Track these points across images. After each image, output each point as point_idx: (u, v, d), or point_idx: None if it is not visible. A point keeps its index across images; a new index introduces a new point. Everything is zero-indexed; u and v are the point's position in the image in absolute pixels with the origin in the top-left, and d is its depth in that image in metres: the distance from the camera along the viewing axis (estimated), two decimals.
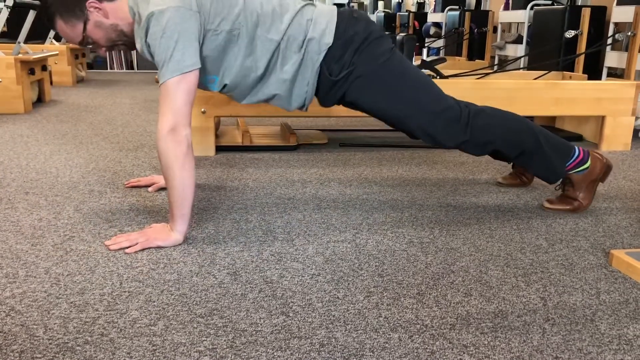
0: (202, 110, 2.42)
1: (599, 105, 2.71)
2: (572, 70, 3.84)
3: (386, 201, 1.92)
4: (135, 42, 1.60)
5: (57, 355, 1.01)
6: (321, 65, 1.63)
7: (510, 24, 5.35)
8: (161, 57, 1.45)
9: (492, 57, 5.31)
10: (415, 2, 8.05)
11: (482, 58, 5.27)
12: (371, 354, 1.03)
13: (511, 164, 2.18)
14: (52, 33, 4.89)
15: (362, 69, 1.64)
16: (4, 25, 3.65)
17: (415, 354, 1.04)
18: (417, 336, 1.10)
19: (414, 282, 1.32)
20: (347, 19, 1.64)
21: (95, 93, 4.57)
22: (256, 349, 1.04)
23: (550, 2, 4.56)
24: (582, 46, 3.75)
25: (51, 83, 4.75)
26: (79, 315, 1.14)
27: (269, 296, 1.24)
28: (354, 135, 3.04)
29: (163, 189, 1.97)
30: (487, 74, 3.07)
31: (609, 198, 2.00)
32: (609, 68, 3.62)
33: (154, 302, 1.20)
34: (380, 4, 9.15)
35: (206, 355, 1.02)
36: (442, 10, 6.09)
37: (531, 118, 3.26)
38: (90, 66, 6.74)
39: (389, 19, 7.66)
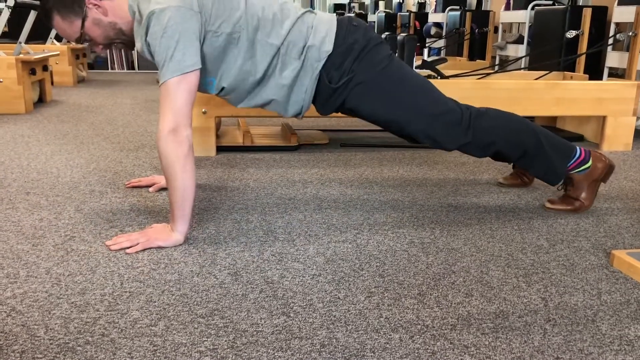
0: (203, 110, 2.42)
1: (600, 106, 2.71)
2: (573, 71, 3.83)
3: (387, 201, 1.92)
4: (135, 41, 1.60)
5: (57, 356, 1.01)
6: (321, 73, 1.64)
7: (511, 24, 5.35)
8: (161, 56, 1.45)
9: (493, 58, 5.31)
10: (416, 2, 8.05)
11: (483, 58, 5.27)
12: (372, 354, 1.03)
13: (512, 164, 2.18)
14: (53, 33, 4.89)
15: (361, 76, 1.64)
16: (5, 25, 3.66)
17: (416, 354, 1.04)
18: (418, 337, 1.09)
19: (415, 283, 1.32)
20: (346, 26, 1.65)
21: (96, 93, 4.57)
22: (257, 350, 1.04)
23: (551, 2, 4.56)
24: (583, 46, 3.74)
25: (52, 83, 4.75)
26: (79, 316, 1.14)
27: (270, 296, 1.24)
28: (355, 136, 3.03)
29: (164, 189, 1.97)
30: (488, 74, 3.07)
31: (610, 198, 2.00)
32: (610, 68, 3.61)
33: (155, 302, 1.20)
34: (381, 4, 9.15)
35: (207, 355, 1.02)
36: (443, 11, 6.09)
37: (532, 118, 3.26)
38: (91, 66, 6.74)
39: (390, 19, 7.66)
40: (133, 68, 6.95)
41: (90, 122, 3.27)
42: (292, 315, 1.16)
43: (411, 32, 6.74)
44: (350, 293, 1.26)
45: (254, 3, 1.60)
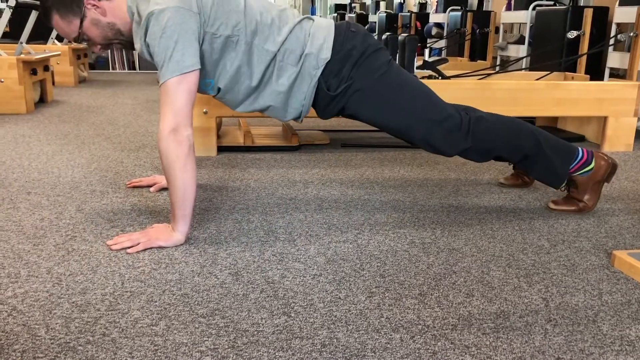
0: (204, 110, 2.42)
1: (601, 106, 2.71)
2: (574, 71, 3.83)
3: (388, 202, 1.92)
4: (134, 41, 1.60)
5: (58, 355, 1.01)
6: (319, 80, 1.63)
7: (512, 24, 5.35)
8: (161, 57, 1.45)
9: (494, 58, 5.31)
10: (417, 2, 8.05)
11: (484, 59, 5.26)
12: (373, 354, 1.03)
13: (512, 164, 2.18)
14: (54, 33, 4.89)
15: (360, 83, 1.64)
16: (7, 25, 3.66)
17: (417, 354, 1.04)
18: (418, 337, 1.09)
19: (415, 283, 1.32)
20: (344, 32, 1.65)
21: (97, 93, 4.57)
22: (258, 349, 1.04)
23: (552, 3, 4.56)
24: (584, 47, 3.74)
25: (53, 83, 4.76)
26: (80, 315, 1.14)
27: (271, 296, 1.24)
28: (356, 136, 3.03)
29: (165, 189, 1.97)
30: (489, 74, 3.07)
31: (611, 199, 2.00)
32: (611, 69, 3.61)
33: (156, 302, 1.21)
34: (382, 5, 9.15)
35: (208, 355, 1.02)
36: (444, 11, 6.09)
37: (533, 119, 3.26)
38: (92, 66, 6.74)
39: (391, 19, 7.65)
40: (134, 68, 6.95)
41: (91, 122, 3.27)
42: (292, 315, 1.16)
43: (412, 32, 6.74)
44: (351, 293, 1.26)
45: (253, 7, 1.60)
